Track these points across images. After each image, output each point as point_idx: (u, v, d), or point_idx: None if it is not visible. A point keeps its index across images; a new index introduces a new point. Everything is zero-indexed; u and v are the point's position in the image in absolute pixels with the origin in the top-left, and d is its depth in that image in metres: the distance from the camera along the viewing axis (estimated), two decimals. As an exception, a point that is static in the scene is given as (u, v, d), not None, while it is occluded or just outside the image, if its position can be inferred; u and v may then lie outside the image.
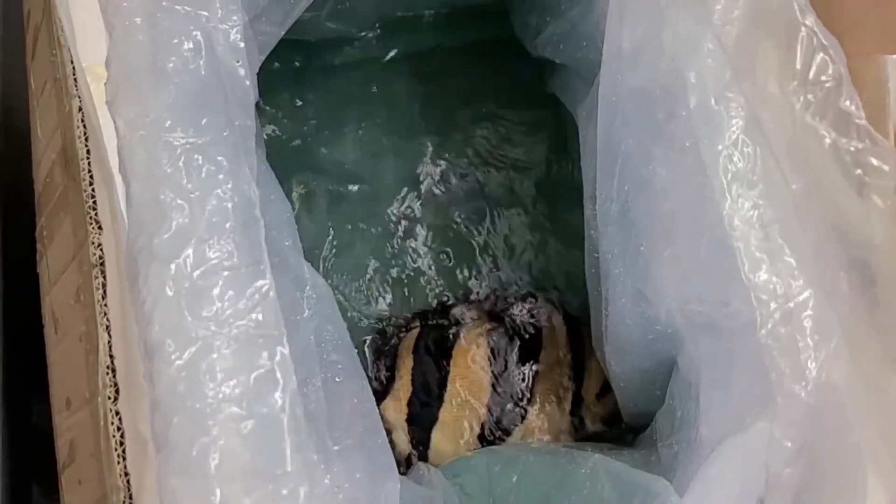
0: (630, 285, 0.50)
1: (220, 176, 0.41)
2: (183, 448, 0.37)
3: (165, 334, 0.38)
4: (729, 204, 0.44)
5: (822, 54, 0.44)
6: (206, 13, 0.43)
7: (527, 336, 0.68)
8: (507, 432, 0.65)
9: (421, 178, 0.74)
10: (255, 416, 0.38)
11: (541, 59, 0.67)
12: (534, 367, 0.66)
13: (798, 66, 0.44)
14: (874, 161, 0.43)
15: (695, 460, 0.45)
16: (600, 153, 0.50)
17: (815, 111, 0.44)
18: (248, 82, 0.44)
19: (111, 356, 0.43)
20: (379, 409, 0.63)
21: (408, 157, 0.74)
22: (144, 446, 0.40)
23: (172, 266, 0.39)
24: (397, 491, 0.44)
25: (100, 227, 0.45)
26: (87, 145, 0.46)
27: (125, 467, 0.42)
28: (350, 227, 0.72)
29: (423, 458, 0.64)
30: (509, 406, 0.65)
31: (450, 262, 0.72)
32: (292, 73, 0.74)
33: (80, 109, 0.46)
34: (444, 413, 0.65)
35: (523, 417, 0.65)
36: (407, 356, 0.67)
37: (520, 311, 0.69)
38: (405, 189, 0.73)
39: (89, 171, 0.46)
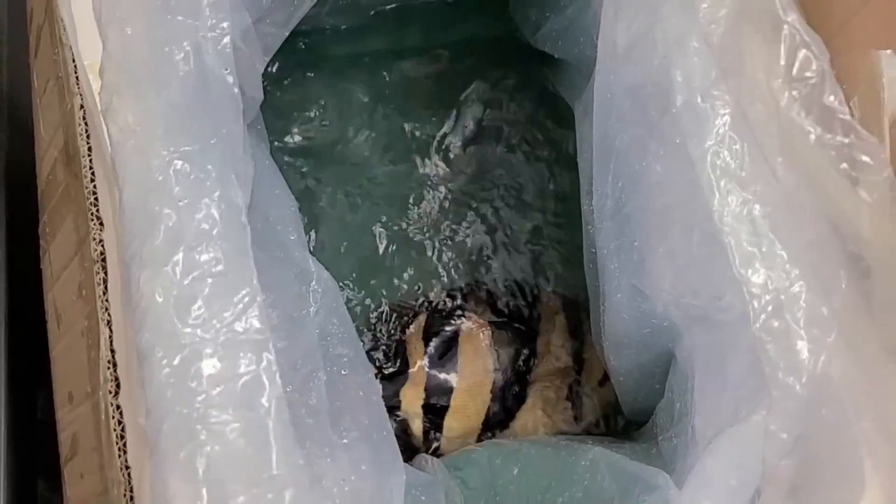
0: (625, 280, 0.50)
1: (208, 184, 0.41)
2: (172, 453, 0.38)
3: (155, 341, 0.39)
4: (718, 199, 0.44)
5: (804, 51, 0.44)
6: (195, 22, 0.44)
7: (526, 324, 0.68)
8: (510, 417, 0.65)
9: (424, 173, 0.74)
10: (241, 420, 0.38)
11: (543, 53, 0.67)
12: (534, 354, 0.67)
13: (782, 62, 0.44)
14: (859, 156, 0.44)
15: (692, 453, 0.46)
16: (596, 149, 0.50)
17: (800, 107, 0.44)
18: (236, 90, 0.44)
19: (112, 351, 0.44)
20: (399, 395, 0.64)
21: (409, 150, 0.74)
22: (145, 440, 0.40)
23: (162, 273, 0.40)
24: (402, 483, 0.44)
25: (101, 224, 0.45)
26: (88, 142, 0.46)
27: (126, 461, 0.42)
28: (353, 218, 0.72)
29: (437, 444, 0.65)
30: (511, 391, 0.66)
31: (454, 251, 0.72)
32: (293, 69, 0.74)
33: (82, 107, 0.47)
34: (455, 400, 0.65)
35: (523, 402, 0.66)
36: (417, 342, 0.68)
37: (521, 300, 0.70)
38: (407, 184, 0.74)
39: (91, 168, 0.46)
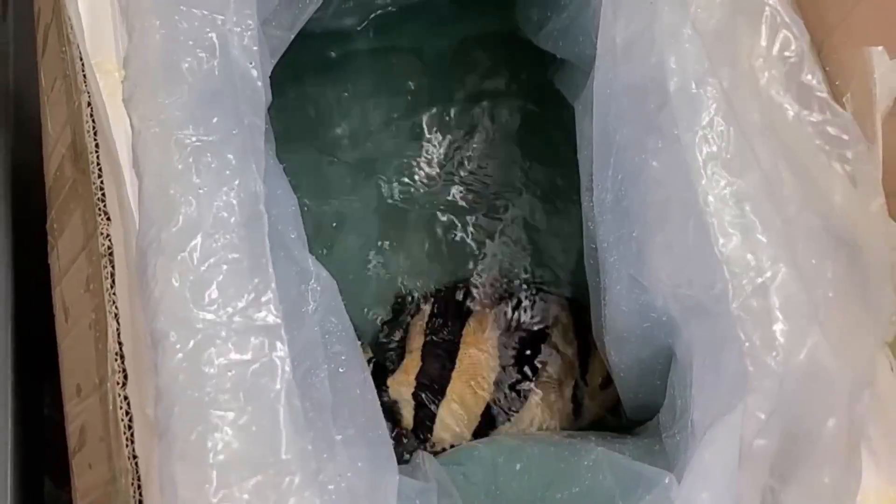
0: (624, 272, 0.51)
1: (228, 172, 0.42)
2: (183, 436, 0.38)
3: (170, 325, 0.39)
4: (704, 182, 0.44)
5: (784, 31, 0.45)
6: (222, 17, 0.44)
7: (533, 321, 0.69)
8: (510, 414, 0.66)
9: (427, 171, 0.75)
10: (252, 405, 0.39)
11: (545, 52, 0.68)
12: (538, 353, 0.67)
13: (763, 43, 0.45)
14: (833, 131, 0.44)
15: (692, 447, 0.46)
16: (596, 144, 0.51)
17: (780, 86, 0.45)
18: (259, 83, 0.45)
19: (119, 343, 0.44)
20: (387, 384, 0.65)
21: (411, 148, 0.75)
22: (152, 430, 0.41)
23: (179, 258, 0.40)
24: (396, 482, 0.45)
25: (108, 219, 0.46)
26: (95, 139, 0.47)
27: (133, 450, 0.43)
28: (357, 212, 0.73)
29: (429, 432, 0.65)
30: (512, 389, 0.66)
31: (458, 246, 0.72)
32: (294, 66, 0.75)
33: (90, 105, 0.47)
34: (452, 391, 0.66)
35: (525, 400, 0.66)
36: (418, 334, 0.68)
37: (527, 297, 0.70)
38: (410, 181, 0.74)
39: (98, 164, 0.47)
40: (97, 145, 0.47)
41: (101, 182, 0.47)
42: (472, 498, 0.54)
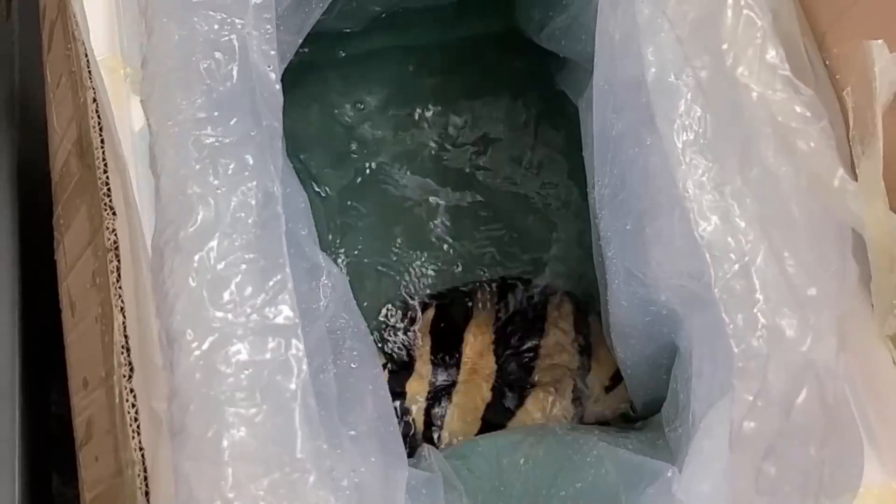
0: (621, 265, 0.51)
1: (246, 173, 0.43)
2: (198, 434, 0.38)
3: (186, 324, 0.40)
4: (683, 168, 0.45)
5: (747, 11, 0.45)
6: (241, 20, 0.45)
7: (533, 322, 0.69)
8: (511, 413, 0.66)
9: (431, 168, 0.75)
10: (268, 404, 0.39)
11: (548, 52, 0.68)
12: (538, 353, 0.67)
13: (728, 22, 0.45)
14: (797, 108, 0.44)
15: (692, 438, 0.46)
16: (596, 140, 0.51)
17: (745, 67, 0.45)
18: (277, 86, 0.45)
19: (126, 336, 0.44)
20: (404, 387, 0.65)
21: (416, 149, 0.75)
22: (158, 422, 0.41)
23: (196, 258, 0.41)
24: (405, 478, 0.45)
25: (114, 213, 0.46)
26: (101, 135, 0.47)
27: (140, 442, 0.43)
28: (359, 211, 0.73)
29: (438, 437, 0.66)
30: (511, 389, 0.66)
31: (461, 246, 0.73)
32: (298, 66, 0.75)
33: (95, 100, 0.48)
34: (458, 394, 0.66)
35: (523, 401, 0.66)
36: (424, 337, 0.68)
37: (529, 297, 0.70)
38: (414, 182, 0.74)
39: (103, 159, 0.47)
40: (102, 141, 0.47)
41: (107, 177, 0.47)
42: (476, 491, 0.54)
